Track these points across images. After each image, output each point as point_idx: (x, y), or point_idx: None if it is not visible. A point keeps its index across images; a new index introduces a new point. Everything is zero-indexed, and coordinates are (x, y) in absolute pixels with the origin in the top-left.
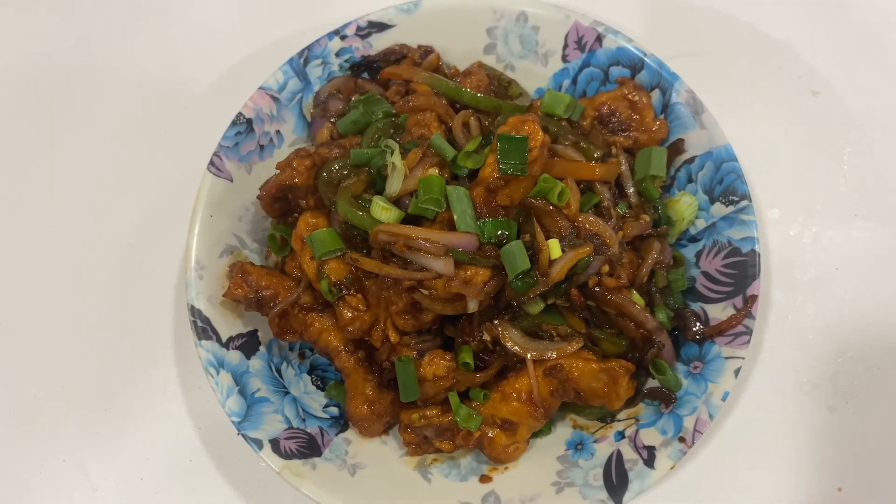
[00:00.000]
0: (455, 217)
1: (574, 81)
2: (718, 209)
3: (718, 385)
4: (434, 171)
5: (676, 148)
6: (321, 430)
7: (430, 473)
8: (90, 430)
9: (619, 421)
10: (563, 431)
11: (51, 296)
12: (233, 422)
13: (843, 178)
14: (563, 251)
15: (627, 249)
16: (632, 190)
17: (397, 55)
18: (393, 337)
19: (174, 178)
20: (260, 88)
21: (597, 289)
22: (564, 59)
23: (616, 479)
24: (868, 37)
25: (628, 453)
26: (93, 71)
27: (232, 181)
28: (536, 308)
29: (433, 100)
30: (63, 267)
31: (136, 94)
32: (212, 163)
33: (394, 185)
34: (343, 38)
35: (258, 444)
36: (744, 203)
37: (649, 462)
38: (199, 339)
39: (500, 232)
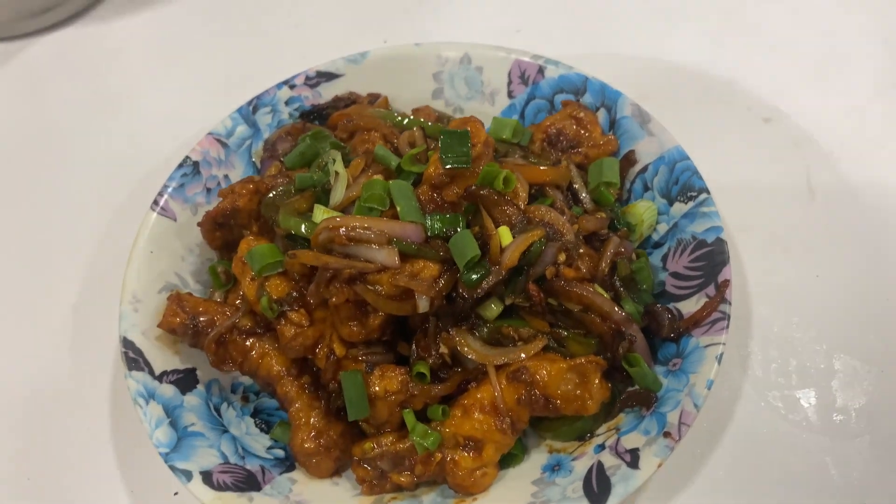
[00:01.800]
0: (399, 209)
1: (522, 115)
2: (678, 208)
3: (700, 374)
4: (378, 177)
5: (628, 160)
6: (262, 468)
7: None
8: (12, 499)
9: (598, 436)
10: (538, 458)
11: None
12: (160, 453)
13: (809, 189)
14: (514, 238)
15: (585, 247)
16: (586, 196)
17: (346, 101)
18: (339, 350)
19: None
20: (208, 134)
21: (556, 281)
22: (510, 95)
23: (597, 486)
24: (807, 65)
25: (609, 461)
26: (60, 147)
27: (176, 220)
28: (494, 311)
29: (377, 121)
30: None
31: (100, 167)
32: (155, 202)
33: (337, 194)
34: (292, 87)
35: (187, 475)
36: (702, 196)
37: (633, 464)
38: (129, 369)
39: (447, 225)
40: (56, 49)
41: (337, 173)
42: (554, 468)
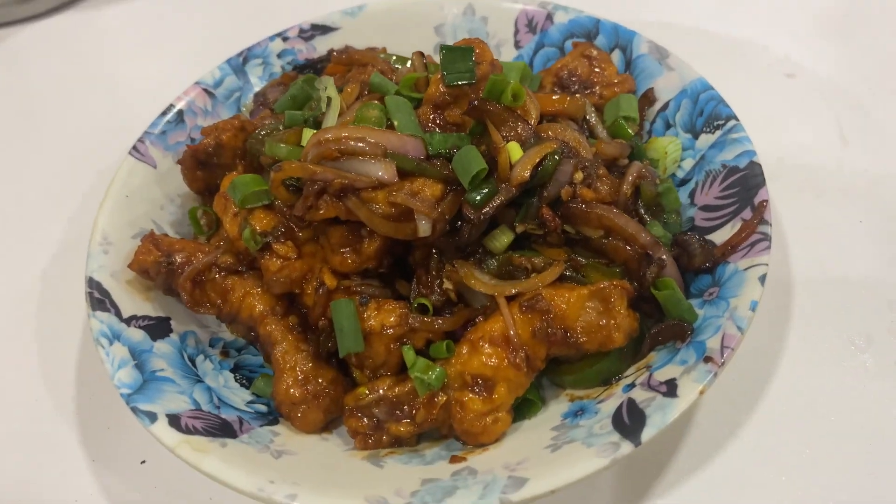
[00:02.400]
0: (396, 124)
1: (530, 65)
2: (705, 140)
3: (742, 297)
4: (374, 102)
5: (647, 98)
6: (240, 419)
7: (383, 462)
8: None
9: (626, 377)
10: (557, 407)
11: None
12: (122, 394)
13: (841, 140)
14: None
15: (605, 170)
16: (602, 130)
17: (342, 55)
18: (330, 282)
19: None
20: (195, 83)
21: (573, 203)
22: (517, 45)
23: (629, 419)
24: (826, 24)
25: (642, 396)
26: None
27: (155, 168)
28: (504, 240)
29: (375, 57)
30: None
31: (74, 141)
32: (134, 147)
33: (329, 120)
34: (285, 39)
35: (151, 417)
36: (731, 123)
37: (670, 393)
38: (94, 309)
39: (450, 144)
40: (44, 35)
41: (329, 99)
42: (577, 413)
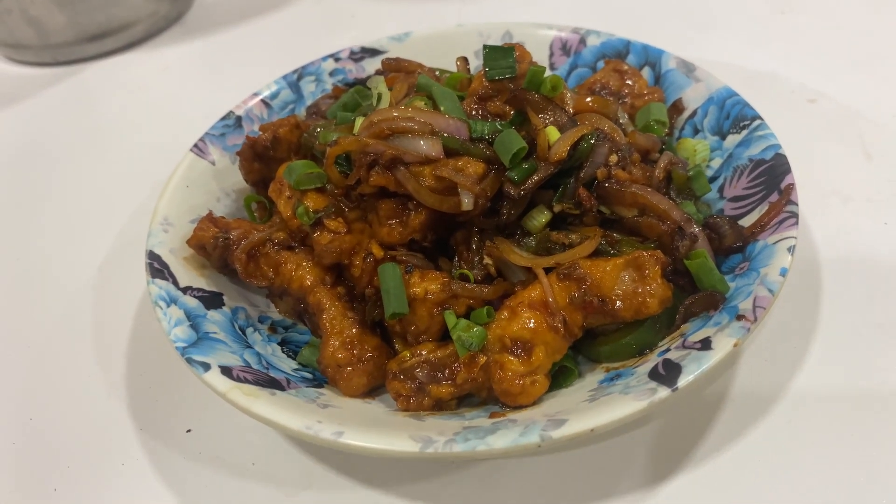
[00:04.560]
0: (443, 109)
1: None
2: (732, 139)
3: (772, 266)
4: (421, 101)
5: (676, 108)
6: (287, 379)
7: (425, 418)
8: (16, 438)
9: (660, 348)
10: (594, 376)
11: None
12: (177, 347)
13: (865, 153)
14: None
15: (638, 157)
16: (634, 130)
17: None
18: (377, 251)
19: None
20: (254, 94)
21: (608, 184)
22: (552, 66)
23: (665, 371)
24: (845, 54)
25: (677, 354)
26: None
27: (214, 165)
28: (541, 219)
29: (422, 65)
30: (28, 289)
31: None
32: (196, 145)
33: None
34: (337, 60)
35: (204, 366)
36: (756, 122)
37: (705, 347)
38: (153, 277)
39: (492, 131)
40: (110, 72)
41: (380, 95)
42: (613, 379)
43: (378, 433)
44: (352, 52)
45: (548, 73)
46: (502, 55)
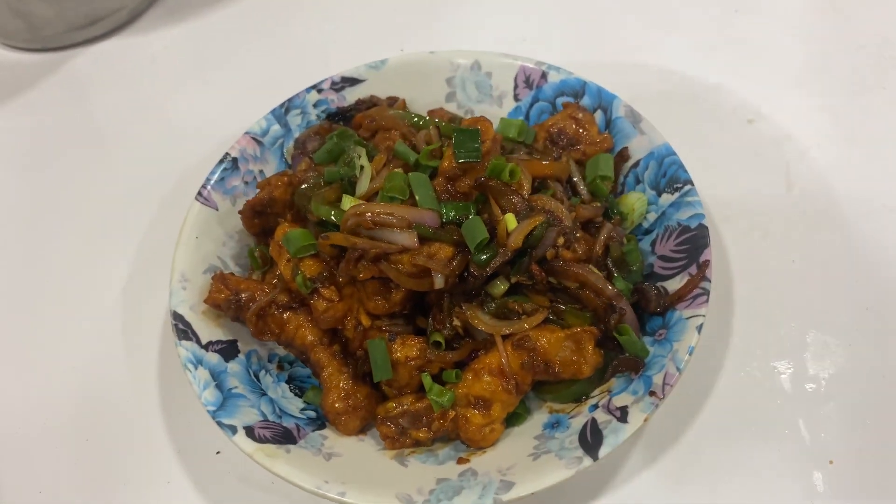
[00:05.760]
0: (418, 198)
1: (527, 116)
2: (666, 199)
3: (682, 342)
4: (399, 170)
5: (622, 156)
6: (297, 425)
7: (407, 461)
8: (69, 461)
9: (593, 397)
10: (540, 417)
11: (37, 338)
12: (208, 410)
13: (787, 184)
14: (518, 223)
15: (581, 232)
16: (583, 188)
17: (368, 104)
18: (365, 321)
19: (167, 233)
20: (245, 133)
21: (555, 262)
22: (516, 98)
23: (591, 438)
24: (788, 70)
25: (602, 417)
26: (104, 150)
27: (217, 210)
28: (501, 288)
29: (397, 121)
30: (54, 306)
31: (137, 167)
32: (199, 193)
33: (363, 185)
34: (319, 91)
35: (232, 429)
36: (687, 187)
37: (622, 419)
38: (179, 339)
39: (460, 213)
40: (100, 59)
41: (362, 167)
42: (553, 425)
43: (371, 492)
44: (333, 83)
45: (512, 105)
46: (469, 138)
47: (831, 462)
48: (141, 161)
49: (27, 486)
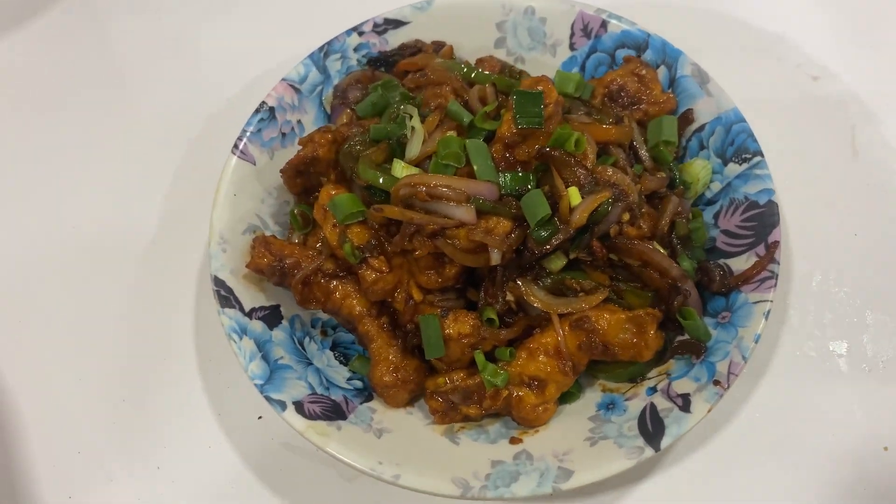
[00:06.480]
0: (475, 168)
1: (582, 68)
2: (732, 169)
3: (748, 329)
4: (452, 133)
5: (686, 118)
6: (345, 398)
7: (458, 438)
8: (106, 420)
9: (649, 379)
10: (592, 396)
11: (71, 290)
12: (256, 384)
13: (852, 150)
14: (582, 198)
15: (647, 206)
16: (645, 154)
17: (412, 49)
18: (416, 295)
19: (196, 181)
20: (282, 80)
21: (619, 238)
22: (572, 47)
23: (652, 426)
24: (858, 24)
25: (662, 403)
26: (126, 89)
27: (255, 164)
28: (558, 263)
29: (448, 75)
30: (85, 262)
31: (164, 109)
32: (236, 146)
33: (413, 148)
34: (361, 34)
35: (282, 405)
36: (756, 159)
37: (685, 407)
38: (222, 306)
39: (519, 184)
40: None
41: (413, 129)
42: (608, 406)
43: (427, 475)
44: (375, 25)
45: (566, 54)
46: (531, 102)
47: (886, 449)
48: (164, 103)
49: (66, 445)
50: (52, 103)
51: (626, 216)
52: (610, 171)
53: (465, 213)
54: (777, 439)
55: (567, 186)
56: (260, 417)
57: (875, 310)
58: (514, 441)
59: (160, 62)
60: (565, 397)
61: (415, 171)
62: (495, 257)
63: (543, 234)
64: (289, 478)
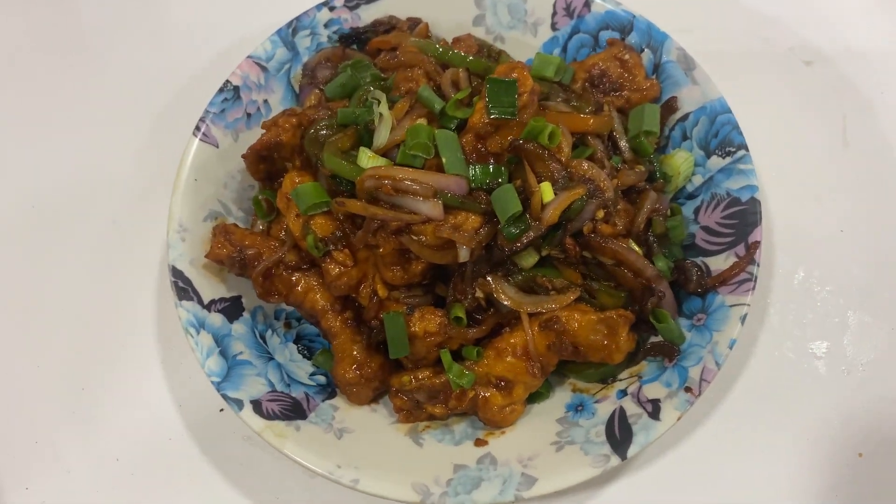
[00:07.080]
0: (444, 161)
1: (564, 49)
2: (715, 162)
3: (724, 333)
4: (422, 122)
5: (670, 106)
6: (307, 395)
7: (421, 439)
8: (65, 410)
9: (620, 380)
10: (562, 395)
11: (27, 273)
12: (212, 382)
13: (843, 140)
14: (555, 194)
15: (623, 200)
16: (625, 145)
17: (386, 26)
18: (381, 292)
19: (160, 158)
20: (248, 57)
21: (592, 236)
22: (553, 27)
23: (619, 433)
24: (855, 7)
25: (631, 409)
26: (89, 58)
27: (218, 147)
28: (530, 260)
29: (421, 57)
30: (42, 244)
31: (128, 80)
32: (198, 127)
33: (381, 136)
34: (332, 8)
35: (238, 404)
36: (741, 153)
37: (654, 414)
38: (180, 299)
39: (490, 178)
40: None
41: (381, 115)
42: (577, 408)
43: (386, 480)
44: (346, 0)
45: (548, 34)
46: (504, 91)
47: (861, 455)
48: (128, 74)
49: (24, 435)
50: (9, 74)
51: (601, 214)
52: (585, 165)
53: (431, 208)
54: (750, 444)
55: (540, 181)
56: (221, 410)
57: (858, 310)
58: (479, 443)
59: (125, 31)
60: (534, 397)
61: (381, 161)
62: (463, 254)
63: (514, 231)
64: (250, 472)
